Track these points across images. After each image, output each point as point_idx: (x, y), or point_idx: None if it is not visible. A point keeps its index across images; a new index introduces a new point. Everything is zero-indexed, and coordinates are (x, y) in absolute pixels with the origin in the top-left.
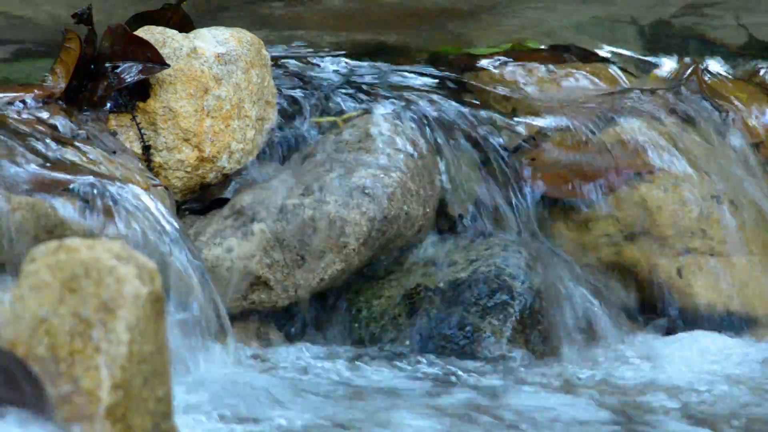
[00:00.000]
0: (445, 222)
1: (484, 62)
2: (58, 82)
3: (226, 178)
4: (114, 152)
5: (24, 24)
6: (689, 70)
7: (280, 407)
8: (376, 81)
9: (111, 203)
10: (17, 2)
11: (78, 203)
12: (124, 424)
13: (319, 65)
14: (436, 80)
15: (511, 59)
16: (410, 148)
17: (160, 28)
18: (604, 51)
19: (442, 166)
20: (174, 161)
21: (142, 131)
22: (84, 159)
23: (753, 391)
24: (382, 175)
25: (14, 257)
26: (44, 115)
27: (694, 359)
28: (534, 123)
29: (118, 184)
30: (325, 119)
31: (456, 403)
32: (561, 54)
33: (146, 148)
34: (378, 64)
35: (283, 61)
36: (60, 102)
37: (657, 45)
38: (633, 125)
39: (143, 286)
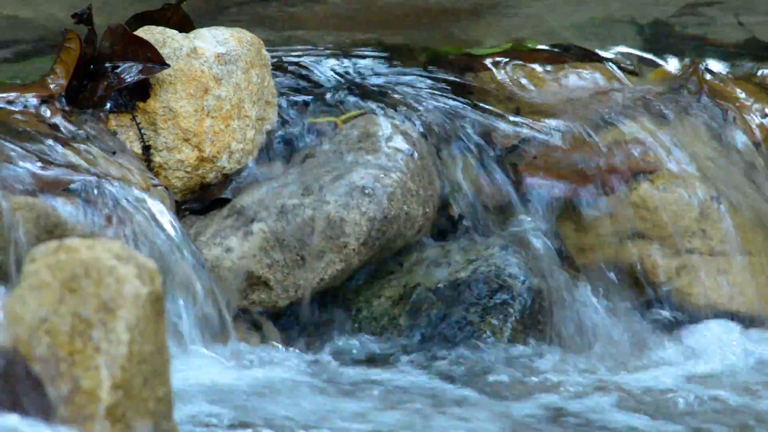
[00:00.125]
0: (445, 222)
1: (484, 62)
2: (58, 82)
3: (226, 178)
4: (114, 152)
5: (24, 24)
6: (689, 70)
7: (279, 407)
8: (376, 81)
9: (111, 203)
10: (17, 2)
11: (78, 203)
12: (124, 424)
13: (319, 65)
14: (436, 80)
15: (511, 59)
16: (410, 148)
17: (160, 28)
18: (604, 51)
19: (441, 165)
20: (174, 161)
21: (142, 131)
22: (84, 159)
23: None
24: (382, 175)
25: (14, 257)
26: (44, 115)
27: (695, 358)
28: (534, 123)
29: (118, 184)
30: (325, 119)
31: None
32: (561, 54)
33: (146, 148)
34: (378, 64)
35: (282, 59)
36: (60, 102)
37: (657, 45)
38: (633, 125)
39: (143, 286)
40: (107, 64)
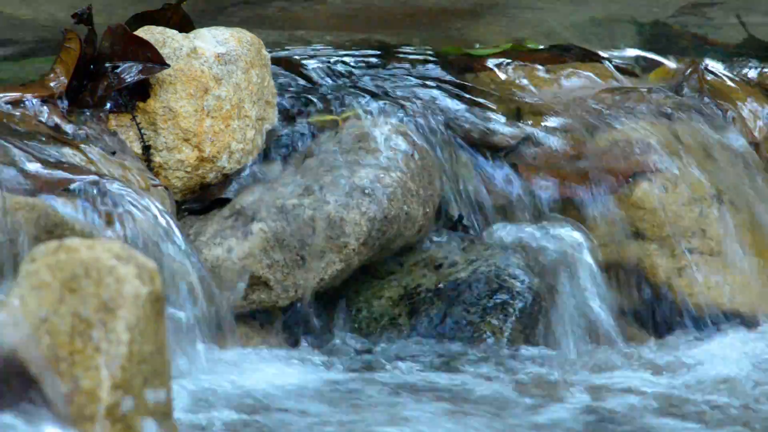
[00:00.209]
0: (445, 222)
1: (484, 62)
2: (58, 82)
3: (226, 178)
4: (114, 152)
5: (24, 24)
6: (689, 70)
7: (278, 406)
8: (376, 81)
9: (111, 203)
10: (17, 2)
11: (78, 203)
12: (124, 424)
13: (319, 65)
14: (436, 80)
15: (511, 59)
16: (410, 148)
17: (160, 28)
18: (604, 51)
19: (441, 165)
20: (174, 161)
21: (142, 131)
22: (84, 159)
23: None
24: (382, 175)
25: (14, 257)
26: (44, 115)
27: (695, 358)
28: (534, 123)
29: (118, 184)
30: (325, 119)
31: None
32: (561, 54)
33: (146, 148)
34: (378, 64)
35: (282, 58)
36: (60, 102)
37: (657, 45)
38: (633, 125)
39: (143, 286)
40: (107, 64)
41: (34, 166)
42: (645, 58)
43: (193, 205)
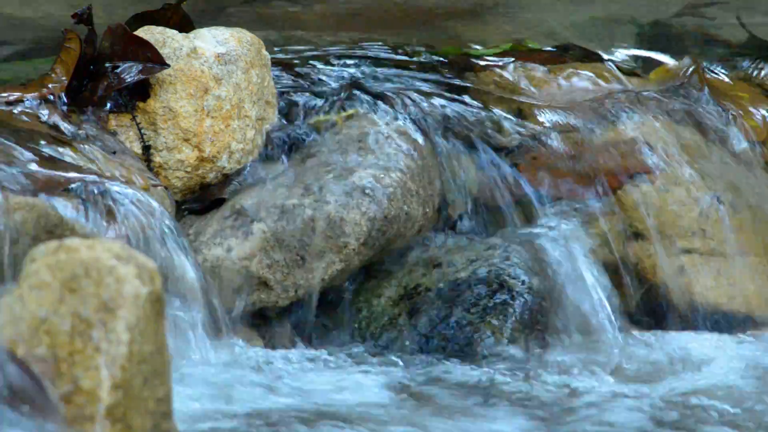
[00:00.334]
0: (445, 222)
1: (484, 62)
2: (58, 82)
3: (226, 178)
4: (114, 152)
5: (24, 24)
6: (690, 70)
7: (270, 406)
8: (376, 81)
9: (111, 203)
10: (17, 2)
11: (78, 203)
12: (124, 424)
13: (318, 65)
14: (437, 80)
15: (511, 59)
16: (410, 148)
17: (160, 28)
18: (604, 51)
19: (441, 166)
20: (174, 161)
21: (142, 131)
22: (84, 159)
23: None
24: (382, 175)
25: (14, 257)
26: (44, 115)
27: (696, 359)
28: (534, 123)
29: (118, 184)
30: (325, 119)
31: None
32: (561, 54)
33: (146, 148)
34: (378, 64)
35: (282, 58)
36: (60, 102)
37: (657, 45)
38: (633, 125)
39: (143, 286)
40: (107, 64)
41: (34, 166)
42: (645, 58)
43: (193, 205)
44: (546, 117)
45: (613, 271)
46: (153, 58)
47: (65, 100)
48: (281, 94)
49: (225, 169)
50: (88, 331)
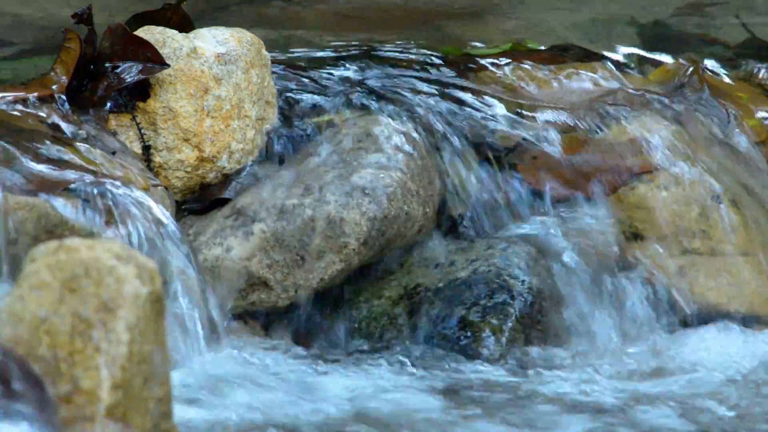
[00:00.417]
0: (445, 222)
1: (484, 62)
2: (58, 82)
3: (226, 178)
4: (114, 152)
5: (24, 24)
6: (690, 70)
7: (271, 405)
8: (376, 81)
9: (111, 203)
10: (17, 2)
11: (78, 203)
12: (124, 424)
13: (318, 65)
14: (437, 80)
15: (510, 59)
16: (410, 148)
17: (160, 28)
18: (604, 51)
19: (442, 166)
20: (174, 161)
21: (142, 131)
22: (84, 159)
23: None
24: (382, 175)
25: (14, 257)
26: (44, 115)
27: (696, 359)
28: (534, 123)
29: (118, 184)
30: (325, 119)
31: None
32: (561, 54)
33: (146, 148)
34: (378, 63)
35: (282, 58)
36: (60, 102)
37: (657, 45)
38: (633, 125)
39: (143, 286)
40: (107, 64)
41: (34, 166)
42: (645, 58)
43: (193, 205)
44: (546, 117)
45: (612, 271)
46: (153, 58)
47: (65, 100)
48: (281, 94)
49: (225, 169)
50: (88, 331)
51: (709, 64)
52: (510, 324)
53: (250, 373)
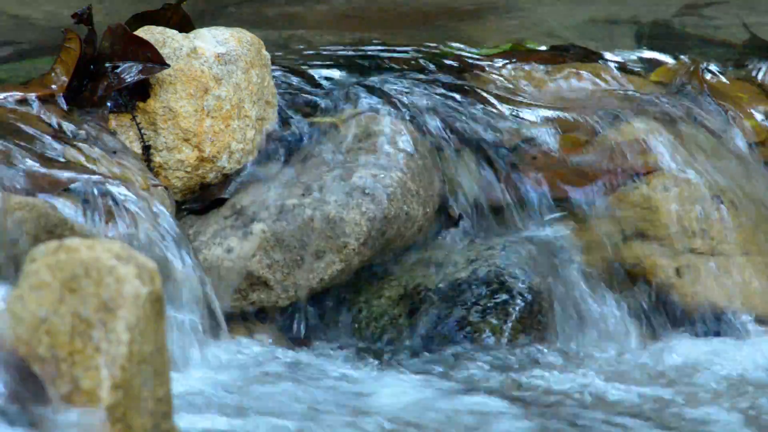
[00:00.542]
0: (445, 222)
1: (484, 62)
2: (58, 82)
3: (226, 178)
4: (114, 152)
5: (24, 24)
6: (690, 70)
7: (275, 406)
8: (376, 81)
9: (111, 203)
10: (17, 2)
11: (78, 203)
12: (124, 424)
13: (319, 65)
14: (436, 80)
15: (511, 59)
16: (410, 148)
17: (160, 28)
18: (604, 51)
19: (442, 165)
20: (174, 161)
21: (142, 131)
22: (84, 159)
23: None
24: (382, 175)
25: (14, 257)
26: (44, 114)
27: (696, 360)
28: (534, 123)
29: (118, 184)
30: (325, 119)
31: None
32: (561, 54)
33: (146, 148)
34: (378, 64)
35: (282, 58)
36: (60, 102)
37: (657, 45)
38: (633, 125)
39: (143, 286)
40: (107, 64)
41: (34, 166)
42: (645, 58)
43: (193, 205)
44: (546, 117)
45: (612, 271)
46: (153, 58)
47: (65, 99)
48: (281, 93)
49: (225, 169)
50: (88, 331)
51: (710, 64)
52: (510, 324)
53: (249, 373)
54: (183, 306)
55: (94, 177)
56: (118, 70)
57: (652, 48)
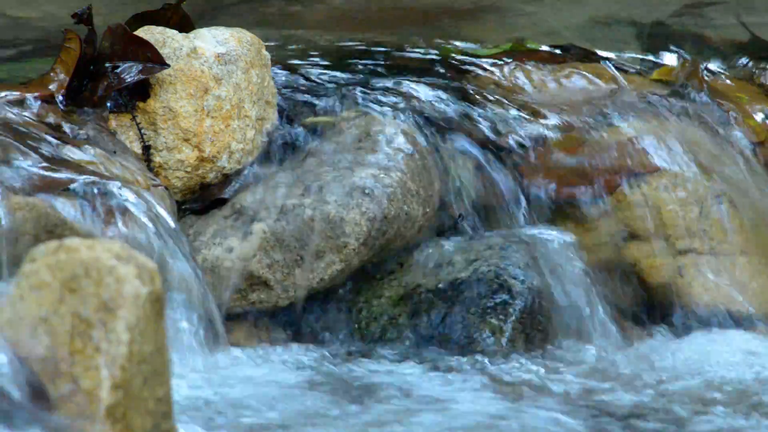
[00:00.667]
0: (445, 222)
1: (483, 62)
2: (58, 82)
3: (226, 178)
4: (114, 152)
5: (24, 24)
6: (689, 70)
7: (274, 407)
8: (376, 81)
9: (111, 203)
10: (17, 2)
11: (78, 203)
12: (124, 424)
13: (319, 64)
14: (437, 80)
15: (511, 59)
16: (410, 148)
17: (160, 28)
18: (604, 51)
19: (442, 166)
20: (174, 161)
21: (142, 131)
22: (84, 159)
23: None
24: (382, 175)
25: (14, 257)
26: (44, 114)
27: (696, 360)
28: (534, 123)
29: (119, 184)
30: (325, 119)
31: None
32: (561, 54)
33: (146, 148)
34: (378, 63)
35: (281, 58)
36: (60, 102)
37: (657, 45)
38: (633, 125)
39: (143, 286)
40: (107, 64)
41: (34, 166)
42: (645, 58)
43: (193, 205)
44: (545, 117)
45: (611, 271)
46: (153, 58)
47: (65, 99)
48: (281, 93)
49: (225, 169)
50: (88, 331)
51: (710, 64)
52: (510, 324)
53: (249, 373)
54: (183, 306)
55: (94, 177)
56: (118, 70)
57: (652, 48)
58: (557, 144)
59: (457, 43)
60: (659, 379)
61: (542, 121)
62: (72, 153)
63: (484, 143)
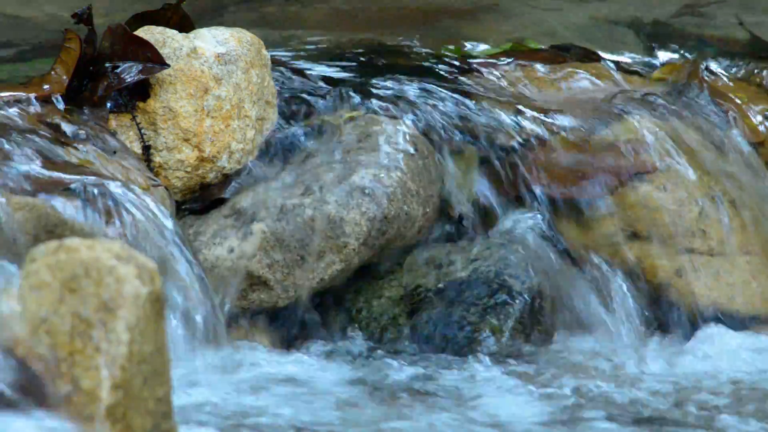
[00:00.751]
0: (445, 222)
1: (483, 62)
2: (58, 82)
3: (226, 178)
4: (114, 152)
5: (24, 24)
6: (690, 70)
7: (274, 407)
8: (376, 81)
9: (111, 203)
10: (17, 2)
11: (78, 203)
12: (124, 424)
13: (318, 65)
14: (437, 80)
15: (511, 59)
16: (410, 148)
17: (160, 28)
18: (604, 51)
19: (442, 166)
20: (174, 161)
21: (142, 131)
22: (84, 159)
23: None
24: (382, 175)
25: (14, 257)
26: (44, 114)
27: (696, 360)
28: (534, 123)
29: (118, 184)
30: (325, 119)
31: None
32: (561, 54)
33: (146, 148)
34: (378, 63)
35: (282, 58)
36: (60, 102)
37: (657, 45)
38: (633, 125)
39: (143, 286)
40: (107, 64)
41: (34, 166)
42: (645, 58)
43: (193, 205)
44: (546, 117)
45: (611, 271)
46: (153, 58)
47: (65, 100)
48: (281, 93)
49: (225, 169)
50: (88, 331)
51: (710, 64)
52: (510, 324)
53: (249, 373)
54: (183, 306)
55: (94, 177)
56: (118, 70)
57: (652, 48)
58: (557, 143)
59: (457, 43)
60: (660, 380)
61: (542, 120)
62: (72, 153)
63: (483, 143)
